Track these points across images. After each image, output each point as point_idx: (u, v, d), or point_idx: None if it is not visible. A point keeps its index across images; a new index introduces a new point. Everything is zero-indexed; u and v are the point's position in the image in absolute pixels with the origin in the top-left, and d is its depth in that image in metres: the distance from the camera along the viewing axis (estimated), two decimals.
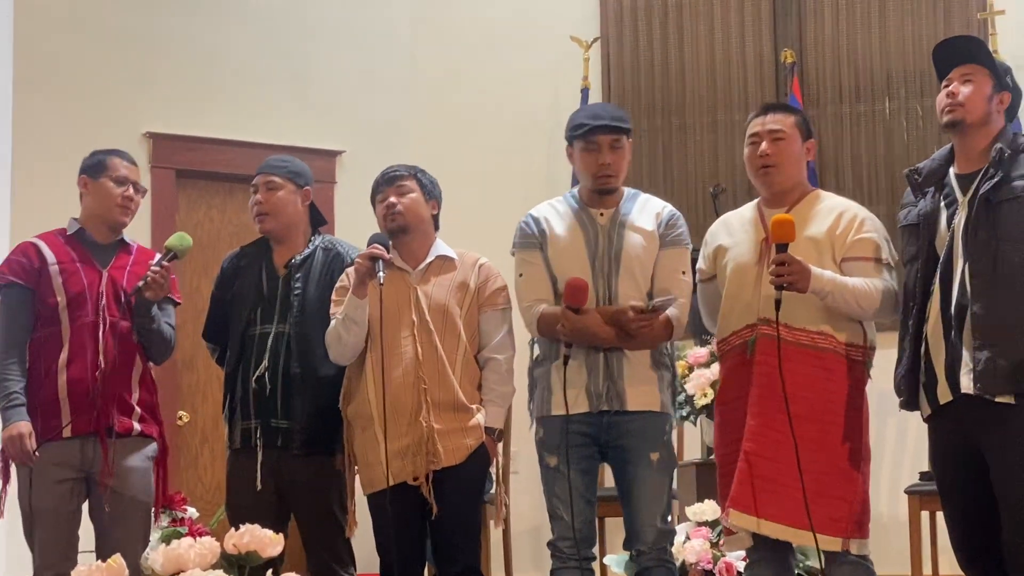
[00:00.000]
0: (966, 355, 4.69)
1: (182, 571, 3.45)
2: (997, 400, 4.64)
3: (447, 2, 9.36)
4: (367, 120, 9.01)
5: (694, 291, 5.30)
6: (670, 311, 5.12)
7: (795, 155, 5.10)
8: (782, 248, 4.79)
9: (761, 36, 9.05)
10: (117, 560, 3.54)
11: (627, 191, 5.34)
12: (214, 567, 3.46)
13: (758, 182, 5.16)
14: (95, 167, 5.69)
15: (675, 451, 5.28)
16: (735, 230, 5.20)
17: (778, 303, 4.78)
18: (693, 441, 7.49)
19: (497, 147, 9.06)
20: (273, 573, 3.57)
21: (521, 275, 5.31)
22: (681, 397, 6.85)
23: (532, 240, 5.31)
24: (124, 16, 8.52)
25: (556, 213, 5.34)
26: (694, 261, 5.41)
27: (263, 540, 3.54)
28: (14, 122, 7.68)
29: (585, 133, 5.20)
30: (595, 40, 9.11)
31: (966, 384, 4.68)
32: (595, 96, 8.97)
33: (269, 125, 8.68)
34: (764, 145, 5.08)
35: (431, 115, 9.06)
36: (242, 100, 8.77)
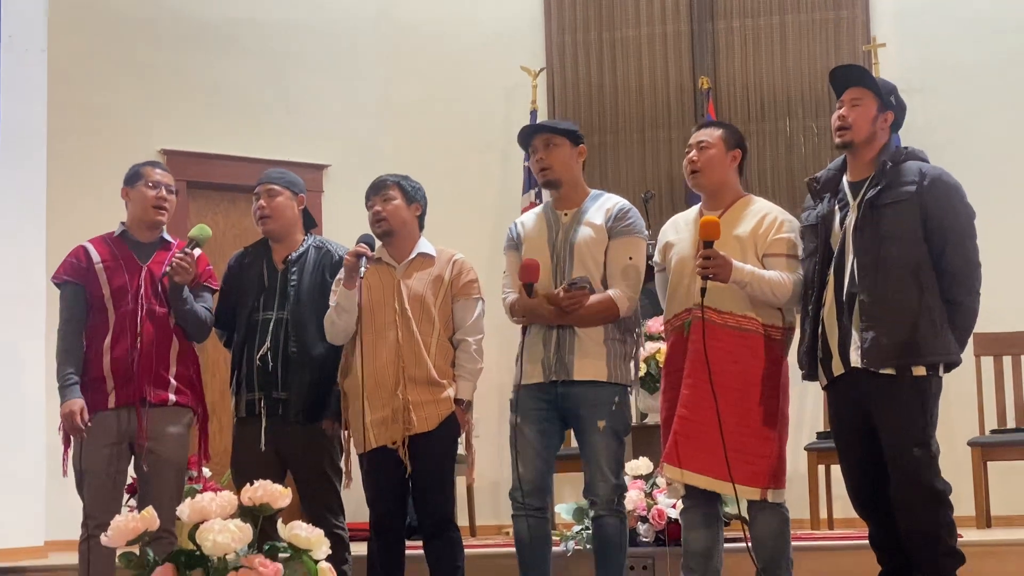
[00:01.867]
0: (855, 335, 4.76)
1: (206, 520, 3.48)
2: (881, 372, 4.70)
3: (416, 38, 9.33)
4: (349, 138, 9.00)
5: (646, 279, 5.31)
6: (611, 292, 5.12)
7: (718, 161, 5.08)
8: (708, 245, 4.83)
9: (682, 66, 9.10)
10: (149, 511, 3.55)
11: (592, 192, 5.35)
12: (233, 516, 3.49)
13: (690, 183, 5.20)
14: (132, 177, 5.70)
15: (627, 417, 5.23)
16: (680, 228, 5.22)
17: (703, 291, 4.83)
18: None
19: (459, 160, 9.04)
20: (282, 521, 3.61)
21: (505, 272, 5.37)
22: None
23: (512, 242, 5.37)
24: (142, 50, 8.56)
25: (533, 217, 5.39)
26: (650, 255, 5.39)
27: (274, 494, 3.55)
28: (48, 141, 7.66)
29: (524, 140, 5.33)
30: (541, 70, 9.15)
31: (855, 359, 4.75)
32: (542, 116, 8.96)
33: (265, 143, 8.68)
34: (692, 154, 5.10)
35: (402, 134, 9.05)
36: (242, 122, 8.77)
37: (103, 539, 3.62)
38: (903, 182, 4.77)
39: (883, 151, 4.87)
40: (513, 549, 5.22)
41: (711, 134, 5.15)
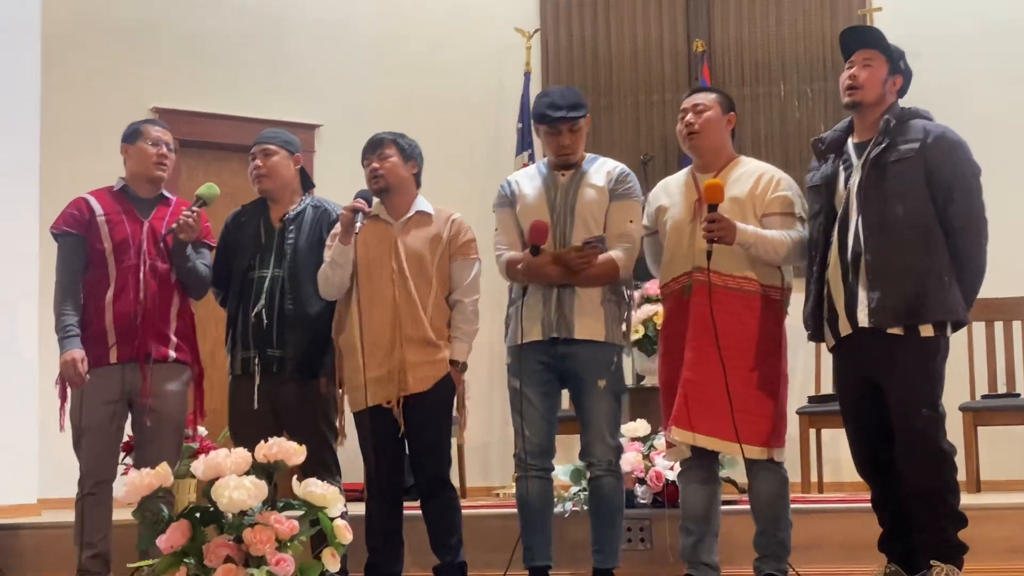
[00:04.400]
0: (861, 295, 4.77)
1: (220, 476, 3.52)
2: (889, 332, 4.73)
3: None
4: (340, 99, 9.03)
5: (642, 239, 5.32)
6: (614, 253, 5.17)
7: (715, 124, 5.12)
8: (713, 208, 4.86)
9: (676, 29, 9.13)
10: (164, 467, 3.61)
11: (588, 155, 5.36)
12: (247, 473, 3.53)
13: (685, 146, 5.21)
14: (132, 135, 5.72)
15: (623, 378, 5.32)
16: (672, 192, 5.24)
17: (709, 254, 4.86)
18: (626, 370, 7.61)
19: (451, 121, 9.03)
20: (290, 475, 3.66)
21: (496, 229, 5.36)
22: None
23: (505, 200, 5.37)
24: (135, 9, 8.56)
25: (527, 177, 5.39)
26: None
27: (289, 450, 3.61)
28: (42, 101, 7.66)
29: (548, 122, 5.24)
30: (536, 31, 9.17)
31: (862, 319, 4.76)
32: (535, 79, 9.03)
33: (258, 102, 8.70)
34: (689, 116, 5.12)
35: (394, 95, 9.03)
36: (234, 81, 8.79)
37: (118, 495, 3.68)
38: (907, 140, 4.78)
39: (887, 112, 4.87)
40: (505, 511, 5.27)
41: (707, 97, 5.18)
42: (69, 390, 5.52)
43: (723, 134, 5.18)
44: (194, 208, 5.57)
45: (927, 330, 4.71)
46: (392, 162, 5.48)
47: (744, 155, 5.31)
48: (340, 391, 5.54)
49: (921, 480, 4.69)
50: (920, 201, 4.74)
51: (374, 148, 5.51)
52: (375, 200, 5.50)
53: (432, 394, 5.35)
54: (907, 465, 4.72)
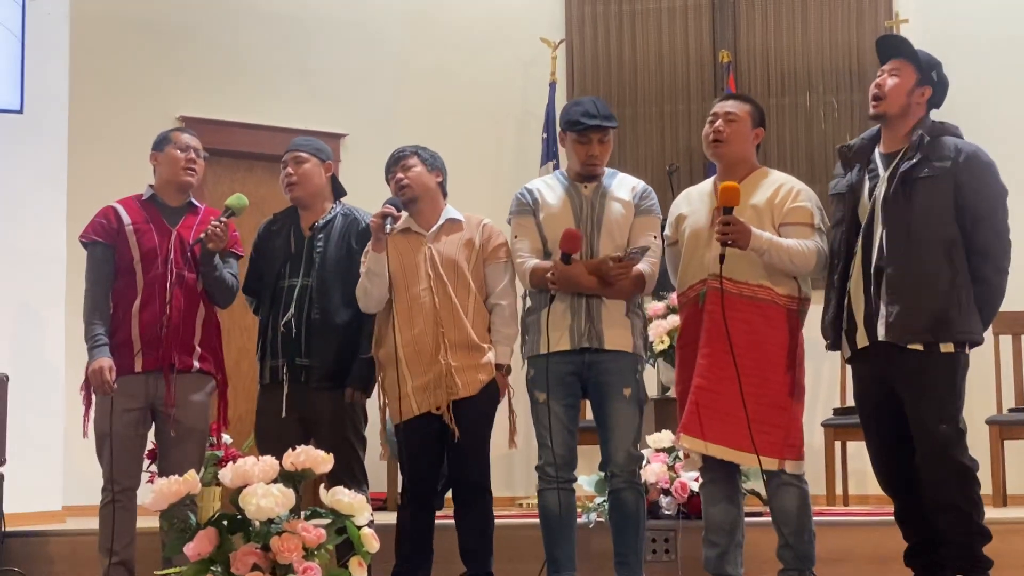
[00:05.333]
0: (882, 308, 4.76)
1: (248, 484, 3.53)
2: (909, 347, 4.71)
3: (434, 7, 9.35)
4: (366, 108, 9.02)
5: (662, 254, 5.33)
6: (642, 266, 5.18)
7: (743, 135, 5.11)
8: (728, 211, 4.84)
9: (702, 39, 9.10)
10: (191, 475, 3.62)
11: (607, 170, 5.37)
12: (275, 481, 3.54)
13: (708, 152, 5.20)
14: (161, 142, 5.77)
15: (645, 389, 5.31)
16: (693, 200, 5.24)
17: (722, 257, 4.83)
18: (651, 380, 7.57)
19: (476, 131, 9.05)
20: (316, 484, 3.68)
21: (516, 236, 5.36)
22: None
23: (526, 208, 5.35)
24: (163, 16, 8.59)
25: (547, 186, 5.39)
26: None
27: (316, 459, 3.61)
28: (70, 108, 7.70)
29: (581, 129, 5.24)
30: (561, 42, 9.14)
31: (881, 333, 4.75)
32: (560, 89, 9.00)
33: (283, 111, 8.70)
34: (718, 123, 5.10)
35: (420, 104, 9.05)
36: (260, 90, 8.80)
37: (146, 503, 3.70)
38: (939, 156, 4.76)
39: (919, 125, 4.85)
40: (528, 521, 5.26)
41: (740, 107, 5.17)
42: (94, 397, 5.55)
43: (748, 146, 5.18)
44: (222, 219, 5.60)
45: (947, 347, 4.70)
46: (417, 171, 5.50)
47: (768, 166, 5.31)
48: (380, 402, 5.52)
49: (943, 495, 4.68)
50: (946, 219, 4.74)
51: (397, 161, 5.55)
52: (404, 214, 5.51)
53: (478, 399, 5.36)
54: (929, 480, 4.72)
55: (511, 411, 5.56)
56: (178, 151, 5.73)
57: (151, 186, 5.77)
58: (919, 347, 4.71)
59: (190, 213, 5.75)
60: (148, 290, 5.57)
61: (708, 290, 4.99)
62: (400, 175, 5.50)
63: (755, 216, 4.99)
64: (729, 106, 5.18)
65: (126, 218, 5.65)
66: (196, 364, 5.64)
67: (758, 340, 4.94)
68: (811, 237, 5.01)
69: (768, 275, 4.98)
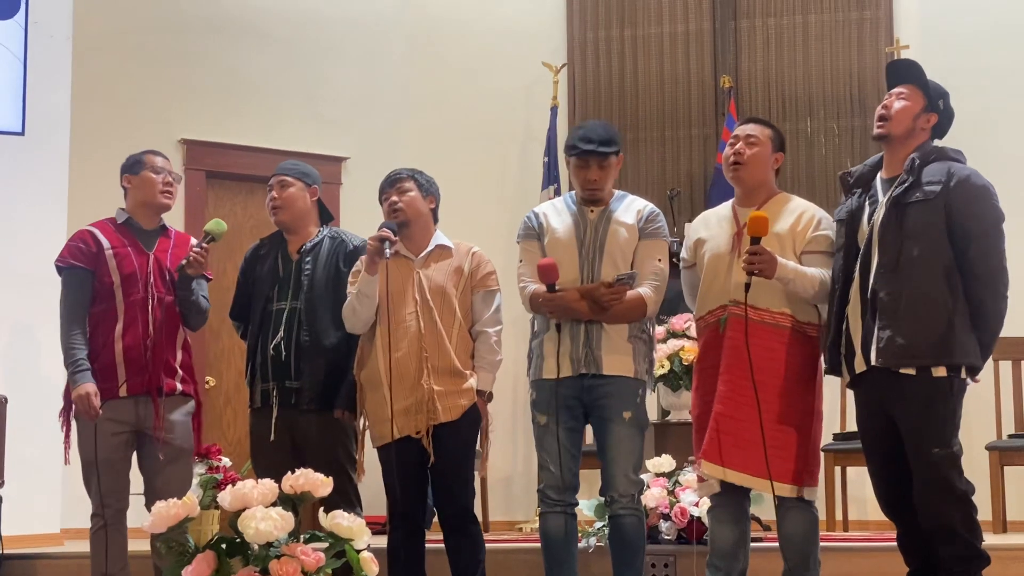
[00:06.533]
0: (875, 333, 4.76)
1: (247, 507, 3.53)
2: (902, 371, 4.72)
3: (436, 31, 9.39)
4: (368, 131, 9.06)
5: (671, 277, 5.32)
6: (642, 290, 5.17)
7: (763, 159, 5.11)
8: (756, 241, 4.84)
9: (703, 65, 9.16)
10: (190, 497, 3.62)
11: (616, 192, 5.37)
12: (274, 504, 3.54)
13: (728, 175, 5.18)
14: (134, 165, 5.76)
15: (647, 413, 5.30)
16: (712, 225, 5.23)
17: (747, 286, 4.85)
18: (651, 405, 7.60)
19: (478, 155, 9.12)
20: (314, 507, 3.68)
21: (521, 261, 5.36)
22: None
23: (532, 232, 5.36)
24: (165, 39, 8.62)
25: (555, 210, 5.39)
26: (675, 253, 5.48)
27: (315, 482, 3.62)
28: (72, 130, 7.72)
29: (577, 154, 5.25)
30: (563, 66, 9.19)
31: (874, 358, 4.76)
32: (562, 113, 9.05)
33: (285, 134, 8.74)
34: (739, 145, 5.10)
35: (422, 128, 9.10)
36: (262, 113, 8.84)
37: (144, 525, 3.70)
38: (930, 180, 4.77)
39: (917, 150, 4.87)
40: (528, 545, 5.25)
41: (761, 131, 5.16)
42: (74, 423, 5.56)
43: (767, 171, 5.17)
44: (203, 244, 5.60)
45: (939, 371, 4.70)
46: (411, 196, 5.51)
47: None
48: (359, 424, 5.54)
49: (938, 519, 4.68)
50: (938, 243, 4.74)
51: (392, 183, 5.55)
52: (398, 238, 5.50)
53: (459, 424, 5.37)
54: (923, 504, 4.72)
55: (485, 439, 5.61)
56: (153, 174, 5.73)
57: (123, 209, 5.76)
58: (911, 371, 4.72)
59: (163, 236, 5.78)
60: (129, 314, 5.58)
61: (729, 316, 4.99)
62: (395, 198, 5.50)
63: (778, 244, 4.99)
64: (750, 129, 5.17)
65: (104, 242, 5.65)
66: (179, 386, 5.66)
67: (778, 366, 4.94)
68: (831, 265, 5.02)
69: (789, 302, 5.00)
